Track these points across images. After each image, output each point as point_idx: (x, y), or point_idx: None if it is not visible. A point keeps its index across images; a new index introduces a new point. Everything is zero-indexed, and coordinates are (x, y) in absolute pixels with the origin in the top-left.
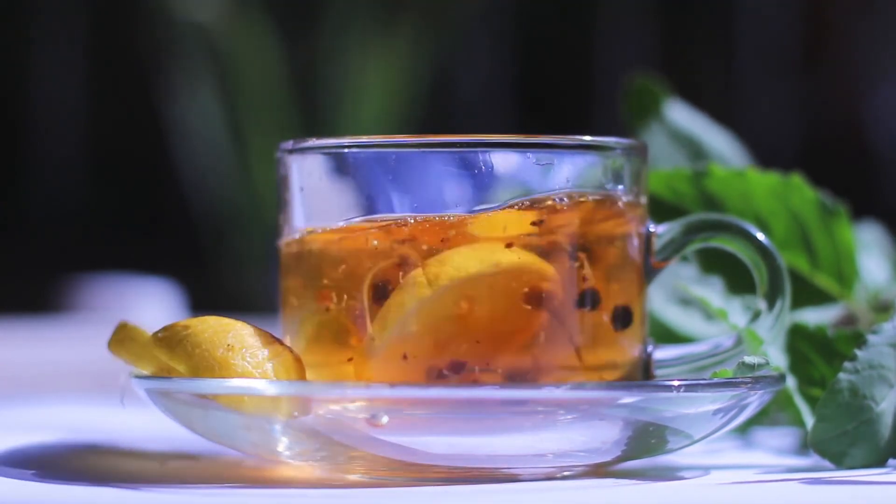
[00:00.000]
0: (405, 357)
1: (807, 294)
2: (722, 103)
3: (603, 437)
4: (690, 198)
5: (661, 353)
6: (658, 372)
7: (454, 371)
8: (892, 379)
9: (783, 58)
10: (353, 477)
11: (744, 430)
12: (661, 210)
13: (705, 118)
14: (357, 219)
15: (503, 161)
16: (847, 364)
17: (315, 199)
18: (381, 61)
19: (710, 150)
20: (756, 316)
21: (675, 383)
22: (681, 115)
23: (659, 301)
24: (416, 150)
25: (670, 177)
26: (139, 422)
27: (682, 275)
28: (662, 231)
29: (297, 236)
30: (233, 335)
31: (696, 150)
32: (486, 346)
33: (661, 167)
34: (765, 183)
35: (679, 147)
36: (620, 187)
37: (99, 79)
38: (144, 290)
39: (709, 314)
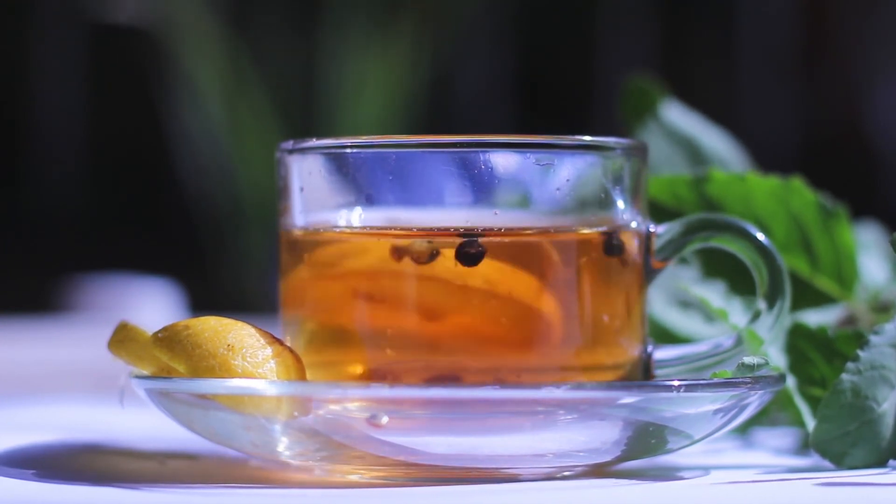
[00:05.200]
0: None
1: (807, 296)
2: (722, 104)
3: (603, 437)
4: (691, 202)
5: (661, 353)
6: (658, 372)
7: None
8: (893, 380)
9: (783, 58)
10: (353, 477)
11: (744, 430)
12: (661, 215)
13: (702, 118)
14: (359, 220)
15: (503, 161)
16: (849, 364)
17: (315, 199)
18: (381, 61)
19: (707, 150)
20: (756, 316)
21: (675, 383)
22: (677, 115)
23: (659, 301)
24: (416, 150)
25: (671, 182)
26: (139, 422)
27: (683, 275)
28: (662, 231)
29: (297, 236)
30: (233, 335)
31: (692, 150)
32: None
33: (658, 167)
34: (765, 186)
35: (676, 147)
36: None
37: (99, 79)
38: (144, 290)
39: (709, 315)
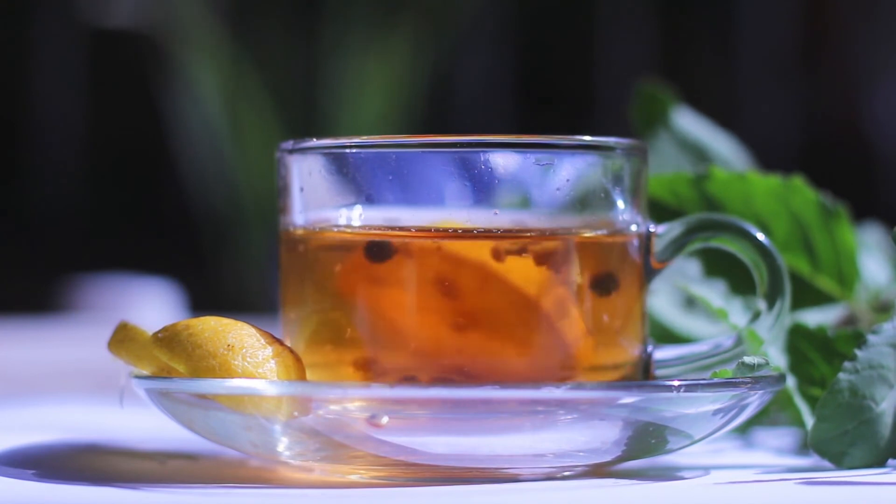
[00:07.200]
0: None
1: (807, 296)
2: (722, 104)
3: (603, 437)
4: (692, 201)
5: (661, 353)
6: (658, 372)
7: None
8: (892, 379)
9: (783, 58)
10: (353, 477)
11: (744, 430)
12: (662, 214)
13: (712, 125)
14: (358, 220)
15: (503, 161)
16: (847, 364)
17: (315, 199)
18: (381, 61)
19: (717, 158)
20: (756, 316)
21: (675, 383)
22: (688, 122)
23: (662, 301)
24: (417, 149)
25: (672, 181)
26: (139, 422)
27: (687, 273)
28: (662, 231)
29: (297, 236)
30: (233, 335)
31: (702, 158)
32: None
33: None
34: (766, 185)
35: (686, 155)
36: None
37: (99, 79)
38: (144, 290)
39: (711, 314)
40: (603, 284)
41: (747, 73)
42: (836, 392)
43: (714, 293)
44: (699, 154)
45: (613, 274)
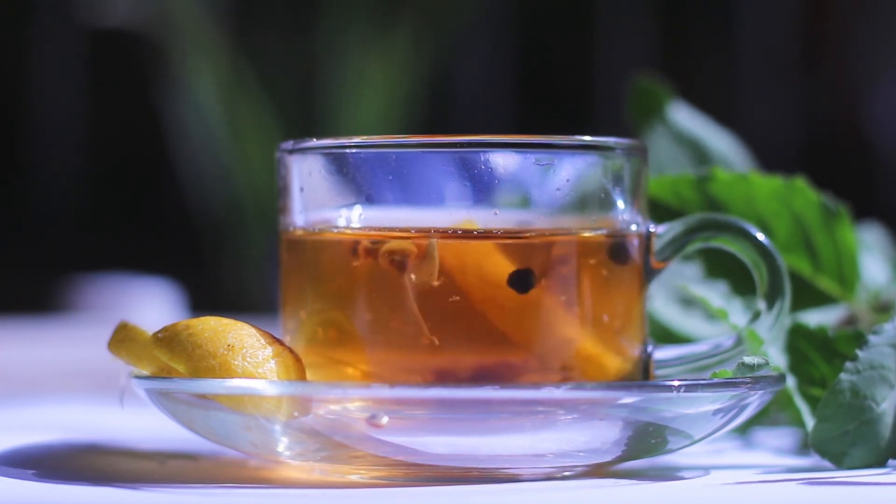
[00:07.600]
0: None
1: (808, 296)
2: (722, 104)
3: (603, 437)
4: (694, 202)
5: (661, 353)
6: (658, 372)
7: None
8: (892, 379)
9: (783, 58)
10: (353, 477)
11: (744, 430)
12: (664, 215)
13: (708, 120)
14: (359, 221)
15: (503, 161)
16: (848, 364)
17: (315, 199)
18: (381, 61)
19: (713, 152)
20: (756, 316)
21: (675, 383)
22: (684, 116)
23: (661, 300)
24: (417, 149)
25: (674, 182)
26: (139, 422)
27: (685, 274)
28: (662, 231)
29: (297, 236)
30: (233, 335)
31: (699, 152)
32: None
33: (665, 169)
34: (767, 186)
35: (682, 149)
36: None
37: (99, 79)
38: (144, 290)
39: (710, 314)
40: (520, 282)
41: (747, 73)
42: (838, 392)
43: (714, 293)
44: (695, 149)
45: (530, 269)
